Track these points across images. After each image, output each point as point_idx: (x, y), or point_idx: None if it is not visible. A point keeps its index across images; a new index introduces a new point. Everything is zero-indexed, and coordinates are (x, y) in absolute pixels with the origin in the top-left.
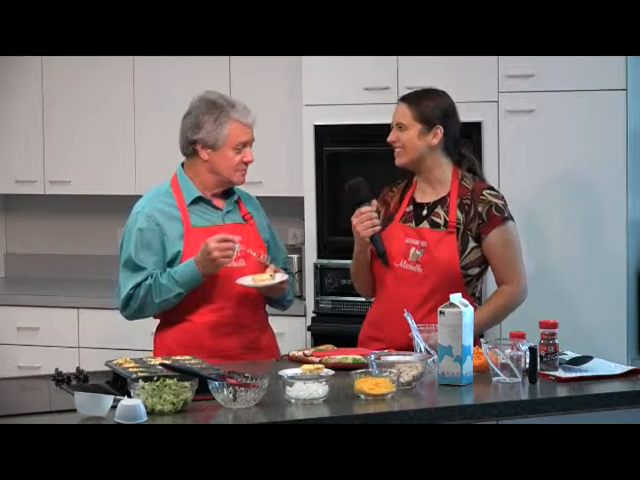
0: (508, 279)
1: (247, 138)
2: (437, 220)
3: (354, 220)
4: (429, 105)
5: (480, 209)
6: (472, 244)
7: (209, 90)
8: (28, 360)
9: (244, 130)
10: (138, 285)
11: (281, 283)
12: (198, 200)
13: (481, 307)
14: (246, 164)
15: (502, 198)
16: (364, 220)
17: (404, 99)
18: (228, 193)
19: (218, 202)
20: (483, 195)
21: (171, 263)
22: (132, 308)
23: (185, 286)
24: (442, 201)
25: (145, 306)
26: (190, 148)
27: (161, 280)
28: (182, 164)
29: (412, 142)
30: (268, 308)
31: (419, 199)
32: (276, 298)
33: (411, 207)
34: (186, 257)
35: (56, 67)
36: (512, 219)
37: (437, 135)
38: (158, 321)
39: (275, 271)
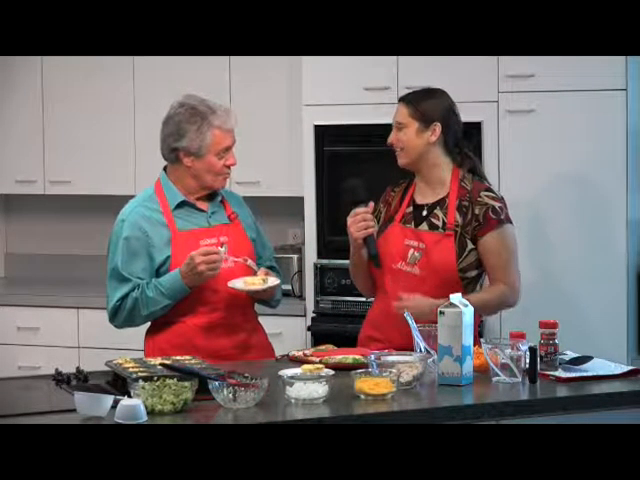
0: (501, 281)
1: (229, 143)
2: (436, 222)
3: (349, 220)
4: (427, 103)
5: (477, 211)
6: (470, 246)
7: (188, 94)
8: (28, 360)
9: (226, 136)
10: (125, 297)
11: (271, 288)
12: (182, 204)
13: (473, 294)
14: (228, 167)
15: (500, 200)
16: (358, 221)
17: (402, 99)
18: (212, 194)
19: (202, 204)
20: (480, 197)
21: (160, 268)
22: (120, 319)
23: (172, 298)
24: (441, 202)
25: (133, 317)
26: (172, 155)
27: (148, 292)
28: (165, 168)
29: (411, 140)
30: (267, 308)
31: (419, 200)
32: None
33: (411, 208)
34: (175, 262)
35: (56, 67)
36: (510, 222)
37: (435, 132)
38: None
39: (266, 274)
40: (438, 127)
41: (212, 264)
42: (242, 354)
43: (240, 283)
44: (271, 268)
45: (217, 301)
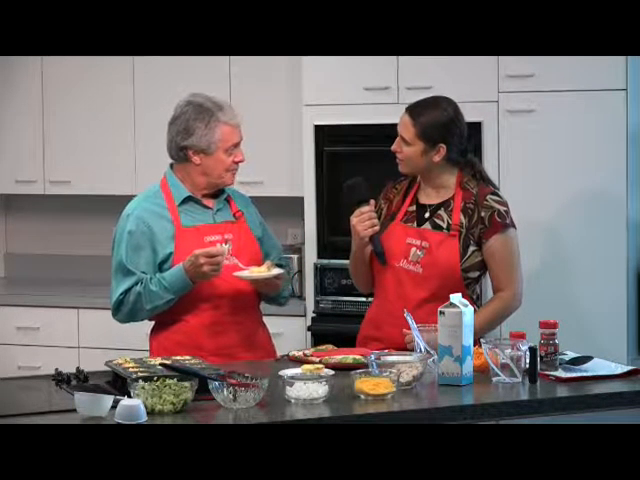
0: (503, 285)
1: (237, 139)
2: (439, 222)
3: (354, 219)
4: (432, 122)
5: (483, 214)
6: (473, 248)
7: (194, 93)
8: (28, 360)
9: (234, 132)
10: (128, 290)
11: (276, 278)
12: (188, 200)
13: (481, 311)
14: (237, 164)
15: (505, 204)
16: (364, 220)
17: (410, 113)
18: (218, 192)
19: (208, 201)
20: (487, 200)
21: (162, 264)
22: (123, 313)
23: (175, 293)
24: (445, 204)
25: (136, 312)
26: (181, 153)
27: (151, 287)
28: (171, 165)
29: (414, 158)
30: (267, 308)
31: (422, 200)
32: (272, 294)
33: (414, 207)
34: (177, 258)
35: (56, 67)
36: (514, 226)
37: (440, 153)
38: (153, 322)
39: (271, 266)
40: (443, 149)
41: (216, 265)
42: (247, 351)
43: (246, 272)
44: (279, 266)
45: (219, 297)
